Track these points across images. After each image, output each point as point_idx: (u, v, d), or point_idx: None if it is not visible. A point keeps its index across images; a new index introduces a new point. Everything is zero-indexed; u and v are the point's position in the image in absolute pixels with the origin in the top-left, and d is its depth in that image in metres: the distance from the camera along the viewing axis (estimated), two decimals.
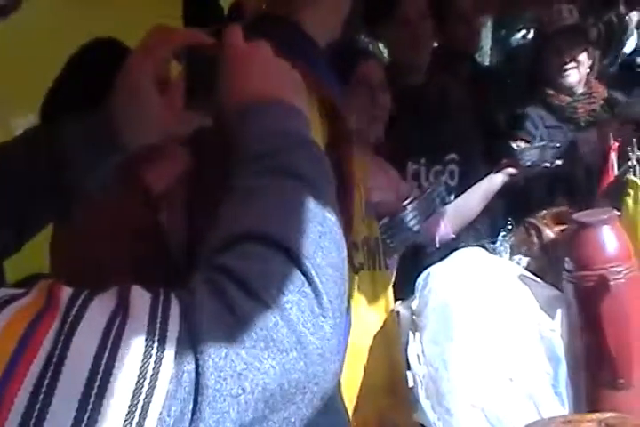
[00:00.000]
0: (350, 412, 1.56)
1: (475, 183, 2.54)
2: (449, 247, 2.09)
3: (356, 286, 1.59)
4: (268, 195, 0.78)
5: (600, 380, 1.40)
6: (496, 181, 2.57)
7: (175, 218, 1.23)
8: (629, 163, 1.70)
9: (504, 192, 2.60)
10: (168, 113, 0.97)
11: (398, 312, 1.65)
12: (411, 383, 1.52)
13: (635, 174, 1.66)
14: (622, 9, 3.26)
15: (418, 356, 1.50)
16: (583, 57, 2.90)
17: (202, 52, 0.98)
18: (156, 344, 0.63)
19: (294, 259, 0.71)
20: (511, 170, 2.57)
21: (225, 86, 0.92)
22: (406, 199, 2.18)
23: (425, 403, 1.46)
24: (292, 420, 0.67)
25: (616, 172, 1.94)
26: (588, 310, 1.44)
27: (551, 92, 2.97)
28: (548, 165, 2.62)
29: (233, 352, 0.64)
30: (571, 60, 2.89)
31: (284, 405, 0.66)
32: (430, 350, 1.50)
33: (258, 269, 0.70)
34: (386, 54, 3.43)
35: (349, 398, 1.55)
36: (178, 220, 1.21)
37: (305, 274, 0.70)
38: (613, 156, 1.99)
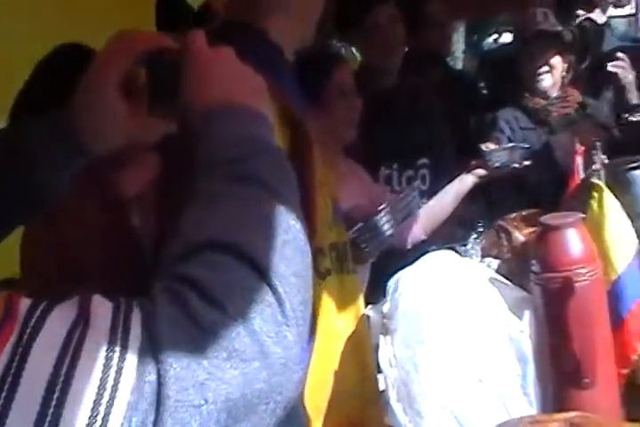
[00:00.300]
0: (321, 418, 1.58)
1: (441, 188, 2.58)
2: (421, 250, 2.12)
3: (324, 292, 1.60)
4: (232, 202, 0.77)
5: (566, 379, 1.42)
6: (466, 182, 2.61)
7: (147, 222, 1.25)
8: (594, 166, 1.73)
9: (476, 195, 2.64)
10: (132, 119, 0.96)
11: (369, 316, 1.67)
12: (382, 387, 1.55)
13: (599, 178, 1.69)
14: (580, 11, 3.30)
15: (389, 359, 1.53)
16: (557, 61, 2.95)
17: (166, 57, 0.97)
18: (117, 355, 0.63)
19: (258, 268, 0.70)
20: (480, 171, 2.62)
21: (188, 91, 0.91)
22: (380, 203, 2.21)
23: (396, 406, 1.48)
24: None
25: (582, 175, 1.97)
26: (553, 311, 1.47)
27: (526, 94, 3.01)
28: (516, 165, 2.66)
29: (195, 362, 0.64)
30: (544, 65, 2.93)
31: (247, 415, 0.65)
32: (401, 353, 1.52)
33: (221, 278, 0.69)
34: (359, 58, 3.47)
35: (319, 403, 1.57)
36: (150, 224, 1.22)
37: (268, 283, 0.70)
38: (579, 159, 2.03)
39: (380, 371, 1.56)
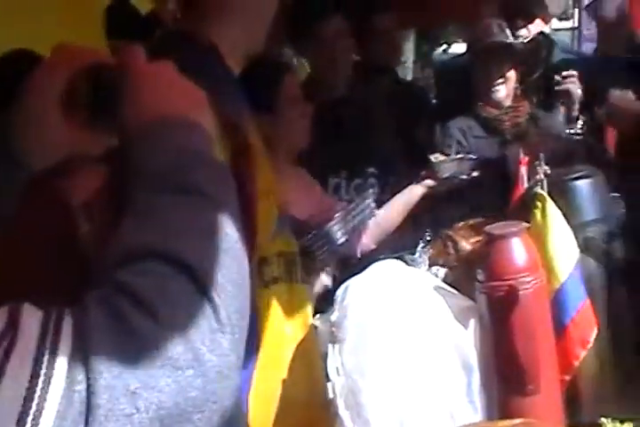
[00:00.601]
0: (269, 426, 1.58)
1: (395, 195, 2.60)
2: (369, 259, 2.14)
3: (271, 300, 1.60)
4: (170, 211, 0.77)
5: (510, 387, 1.45)
6: (415, 192, 2.63)
7: (94, 230, 1.24)
8: (537, 177, 1.76)
9: (424, 204, 2.67)
10: (71, 133, 0.95)
11: (316, 326, 1.68)
12: (330, 395, 1.55)
13: (542, 188, 1.73)
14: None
15: (337, 368, 1.53)
16: (511, 73, 3.01)
17: (106, 72, 0.98)
18: (45, 364, 0.62)
19: (193, 276, 0.70)
20: (429, 182, 2.65)
21: (127, 105, 0.91)
22: (332, 212, 2.23)
23: (344, 414, 1.49)
24: None
25: (526, 185, 2.01)
26: (498, 319, 1.50)
27: (480, 104, 3.07)
28: (464, 176, 2.71)
29: (126, 371, 0.63)
30: (500, 77, 2.99)
31: (181, 424, 0.65)
32: (349, 361, 1.53)
33: (155, 286, 0.69)
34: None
35: (267, 412, 1.57)
36: (97, 232, 1.21)
37: (204, 291, 0.70)
38: (523, 170, 2.06)
39: (328, 380, 1.56)
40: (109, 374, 0.63)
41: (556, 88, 2.95)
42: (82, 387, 0.62)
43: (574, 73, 2.95)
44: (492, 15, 3.30)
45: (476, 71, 3.05)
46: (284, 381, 1.61)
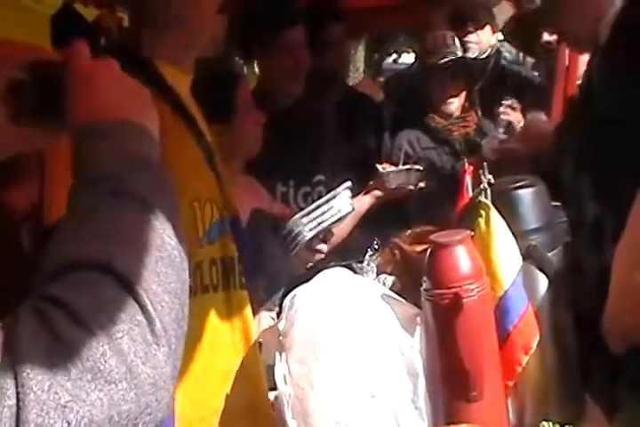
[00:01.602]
0: None
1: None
2: (318, 267, 2.16)
3: (205, 308, 1.59)
4: (104, 219, 0.76)
5: (455, 393, 1.47)
6: (363, 202, 2.68)
7: (37, 239, 1.22)
8: (481, 186, 1.79)
9: (373, 212, 2.70)
10: (10, 130, 0.94)
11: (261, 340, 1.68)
12: (277, 404, 1.56)
13: (486, 197, 1.75)
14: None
15: (284, 376, 1.54)
16: (462, 86, 3.06)
17: (47, 68, 0.96)
18: None
19: (127, 286, 0.70)
20: (377, 192, 2.69)
21: (71, 104, 0.90)
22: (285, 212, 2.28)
23: (291, 423, 1.49)
24: None
25: (470, 194, 2.04)
26: (443, 326, 1.51)
27: (430, 114, 3.11)
28: (412, 187, 2.75)
29: (57, 384, 0.62)
30: (454, 94, 3.04)
31: None
32: (296, 370, 1.54)
33: (87, 296, 0.68)
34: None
35: (210, 422, 1.57)
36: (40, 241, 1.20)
37: (138, 302, 0.69)
38: (468, 178, 2.10)
39: (275, 388, 1.57)
40: (39, 387, 0.62)
41: (498, 118, 2.99)
42: (12, 402, 0.61)
43: (510, 103, 2.99)
44: (442, 25, 3.35)
45: (429, 86, 3.10)
46: (226, 392, 1.61)
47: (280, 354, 1.57)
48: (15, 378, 0.62)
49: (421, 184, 2.81)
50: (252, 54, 2.85)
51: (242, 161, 2.34)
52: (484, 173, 1.85)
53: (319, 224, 2.31)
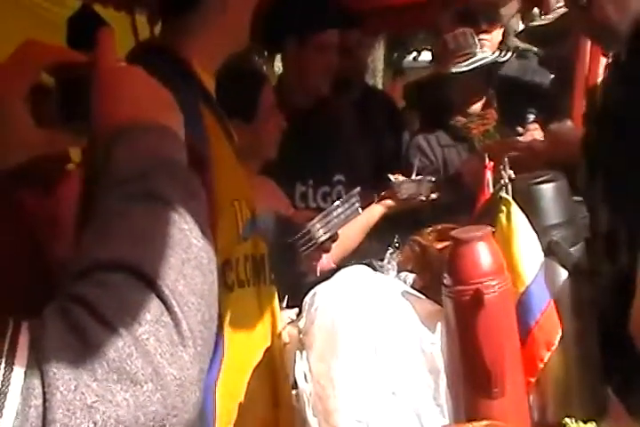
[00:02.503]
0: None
1: (365, 204, 2.62)
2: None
3: (237, 304, 1.61)
4: (131, 220, 0.76)
5: (477, 390, 1.46)
6: (375, 212, 2.69)
7: (63, 246, 1.22)
8: (502, 181, 1.78)
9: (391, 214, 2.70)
10: (37, 132, 0.94)
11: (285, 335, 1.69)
12: (297, 402, 1.56)
13: (507, 192, 1.74)
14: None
15: (305, 374, 1.54)
16: (485, 89, 3.05)
17: (75, 70, 0.96)
18: (0, 378, 0.61)
19: (153, 287, 0.69)
20: (389, 202, 2.69)
21: (97, 107, 0.89)
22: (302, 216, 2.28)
23: (312, 420, 1.49)
24: None
25: (491, 190, 2.03)
26: (464, 323, 1.50)
27: (449, 114, 3.10)
28: (423, 198, 2.74)
29: (83, 384, 0.62)
30: (477, 99, 3.03)
31: None
32: (317, 368, 1.54)
33: (114, 298, 0.68)
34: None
35: (232, 418, 1.57)
36: (66, 248, 1.20)
37: (164, 302, 0.69)
38: (489, 174, 2.08)
39: (295, 386, 1.57)
40: (65, 387, 0.62)
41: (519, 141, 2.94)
42: (38, 402, 0.61)
43: (533, 128, 2.94)
44: (459, 23, 3.32)
45: (454, 87, 3.07)
46: (248, 385, 1.62)
47: (300, 352, 1.57)
48: (42, 378, 0.62)
49: (433, 195, 2.79)
50: (280, 52, 2.84)
51: (260, 161, 2.35)
52: (504, 169, 1.83)
53: (330, 229, 2.30)
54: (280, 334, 1.72)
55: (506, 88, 3.26)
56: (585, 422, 1.33)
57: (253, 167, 2.31)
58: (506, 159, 1.90)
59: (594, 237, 1.81)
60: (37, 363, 0.63)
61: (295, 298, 2.04)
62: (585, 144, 2.20)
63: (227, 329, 1.56)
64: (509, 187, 1.77)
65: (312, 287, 1.75)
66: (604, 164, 1.85)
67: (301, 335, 1.60)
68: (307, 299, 1.68)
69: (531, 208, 1.75)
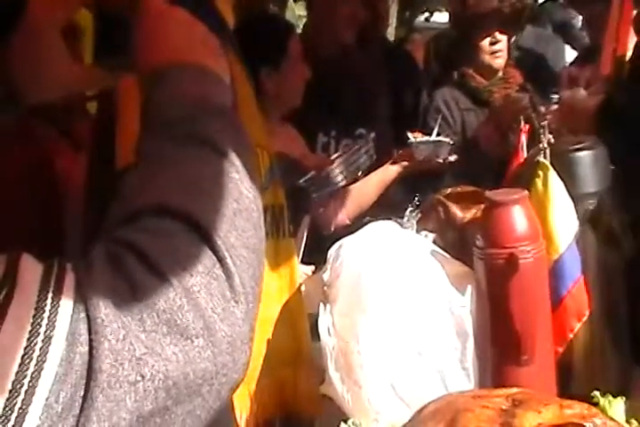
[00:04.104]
0: (253, 383, 1.55)
1: (384, 159, 2.58)
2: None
3: None
4: (181, 165, 0.71)
5: (505, 356, 1.42)
6: (391, 171, 2.63)
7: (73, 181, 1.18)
8: (540, 145, 1.72)
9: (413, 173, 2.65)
10: (71, 67, 0.90)
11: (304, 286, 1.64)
12: (319, 355, 1.51)
13: (545, 157, 1.69)
14: None
15: (328, 328, 1.49)
16: (505, 39, 2.96)
17: (113, 7, 0.91)
18: (45, 321, 0.56)
19: (205, 237, 0.65)
20: (405, 163, 2.63)
21: (142, 45, 0.84)
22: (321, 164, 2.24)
23: (334, 375, 1.45)
24: (198, 413, 0.62)
25: (525, 153, 1.97)
26: (496, 287, 1.46)
27: (471, 72, 3.01)
28: (441, 160, 2.66)
29: (132, 335, 0.58)
30: (498, 42, 2.94)
31: (189, 396, 0.61)
32: (341, 322, 1.49)
33: (165, 245, 0.64)
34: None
35: (252, 370, 1.53)
36: (76, 182, 1.16)
37: (216, 254, 0.65)
38: (523, 138, 2.03)
39: (317, 339, 1.52)
40: (114, 336, 0.58)
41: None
42: (84, 349, 0.57)
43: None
44: None
45: (471, 38, 2.99)
46: (268, 339, 1.58)
47: (325, 305, 1.52)
48: (89, 324, 0.58)
49: (451, 158, 2.72)
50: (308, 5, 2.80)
51: (283, 111, 2.32)
52: (544, 133, 1.78)
53: (347, 175, 2.27)
54: (300, 289, 1.67)
55: (521, 60, 3.20)
56: (614, 397, 1.29)
57: (278, 115, 2.28)
58: (545, 123, 1.84)
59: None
60: (84, 308, 0.58)
61: (311, 254, 2.00)
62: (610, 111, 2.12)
63: None
64: (547, 151, 1.72)
65: (328, 243, 1.71)
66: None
67: (325, 288, 1.55)
68: (331, 251, 1.63)
69: (568, 175, 1.70)
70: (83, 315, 0.58)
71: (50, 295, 0.58)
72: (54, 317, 0.57)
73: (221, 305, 0.63)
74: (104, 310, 0.58)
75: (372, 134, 2.62)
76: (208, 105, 0.78)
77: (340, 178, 2.10)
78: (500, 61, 2.99)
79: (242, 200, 0.70)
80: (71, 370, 0.56)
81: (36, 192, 1.11)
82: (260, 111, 1.72)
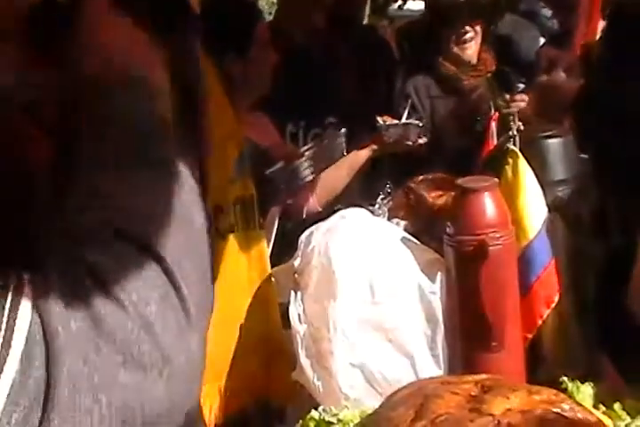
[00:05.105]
0: (224, 374, 1.55)
1: (356, 147, 2.56)
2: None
3: (228, 249, 1.55)
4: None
5: (475, 342, 1.42)
6: (361, 155, 2.61)
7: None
8: (510, 133, 1.73)
9: (384, 157, 2.64)
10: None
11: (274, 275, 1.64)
12: (290, 343, 1.51)
13: (514, 144, 1.70)
14: None
15: (299, 315, 1.49)
16: (478, 29, 2.95)
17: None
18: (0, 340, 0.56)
19: (162, 265, 0.64)
20: (374, 146, 2.62)
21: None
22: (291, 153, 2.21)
23: (305, 362, 1.45)
24: None
25: (495, 141, 1.98)
26: (466, 273, 1.46)
27: (441, 60, 3.00)
28: (410, 143, 2.66)
29: (89, 361, 0.58)
30: (468, 33, 2.93)
31: (144, 425, 0.60)
32: (312, 309, 1.49)
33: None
34: (267, 13, 3.38)
35: (224, 359, 1.53)
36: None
37: (173, 283, 0.64)
38: (493, 125, 2.03)
39: (288, 326, 1.52)
40: (70, 362, 0.57)
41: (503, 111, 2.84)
42: (39, 373, 0.56)
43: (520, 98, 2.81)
44: None
45: (442, 28, 2.98)
46: (239, 329, 1.57)
47: (295, 292, 1.52)
48: (45, 347, 0.57)
49: (420, 140, 2.72)
50: None
51: (252, 98, 2.28)
52: (513, 120, 1.78)
53: (314, 168, 2.25)
54: (270, 278, 1.66)
55: (498, 48, 3.19)
56: (582, 382, 1.30)
57: (246, 102, 2.25)
58: (515, 110, 1.85)
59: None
60: (42, 331, 0.58)
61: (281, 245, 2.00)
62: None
63: (217, 278, 1.50)
64: (517, 139, 1.73)
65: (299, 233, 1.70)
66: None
67: (296, 275, 1.55)
68: (302, 238, 1.62)
69: (537, 162, 1.71)
70: (39, 338, 0.57)
71: (5, 315, 0.57)
72: (9, 337, 0.56)
73: (177, 334, 0.63)
74: (61, 335, 0.58)
75: (343, 124, 2.60)
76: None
77: (308, 172, 2.07)
78: (469, 52, 2.98)
79: (195, 226, 0.70)
80: (24, 393, 0.55)
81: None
82: (228, 99, 1.70)
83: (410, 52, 3.40)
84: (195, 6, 1.62)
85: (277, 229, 2.27)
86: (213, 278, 1.33)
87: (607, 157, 1.74)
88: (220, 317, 1.49)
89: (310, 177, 2.13)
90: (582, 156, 1.81)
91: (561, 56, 2.69)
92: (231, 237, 1.62)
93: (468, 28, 2.92)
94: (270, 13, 4.07)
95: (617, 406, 1.28)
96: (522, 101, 2.76)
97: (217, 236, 1.55)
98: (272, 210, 2.18)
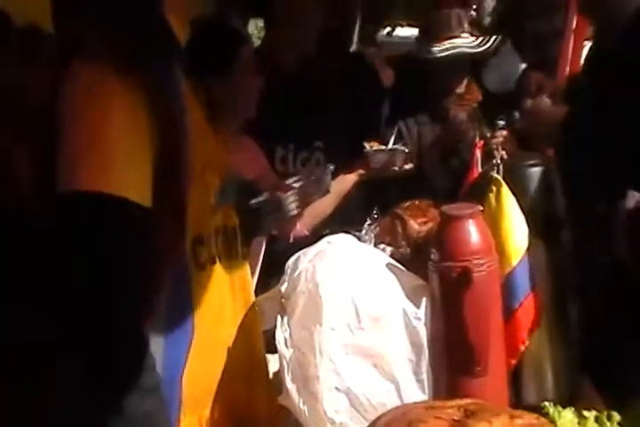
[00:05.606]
0: (209, 403, 1.55)
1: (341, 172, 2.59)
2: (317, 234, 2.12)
3: (209, 281, 1.55)
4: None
5: (459, 367, 1.45)
6: (347, 181, 2.64)
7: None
8: (494, 161, 1.76)
9: (370, 183, 2.67)
10: None
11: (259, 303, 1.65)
12: (276, 367, 1.53)
13: (498, 172, 1.72)
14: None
15: (285, 339, 1.51)
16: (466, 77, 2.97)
17: None
18: None
19: None
20: (361, 171, 2.65)
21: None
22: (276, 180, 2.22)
23: (291, 386, 1.46)
24: None
25: (480, 169, 2.02)
26: (450, 299, 1.49)
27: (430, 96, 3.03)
28: (396, 169, 2.69)
29: None
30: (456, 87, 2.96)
31: None
32: (298, 333, 1.51)
33: None
34: (256, 37, 3.42)
35: (207, 390, 1.54)
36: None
37: None
38: (478, 153, 2.07)
39: (275, 351, 1.54)
40: None
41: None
42: None
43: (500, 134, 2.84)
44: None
45: (437, 75, 2.98)
46: (225, 358, 1.58)
47: (282, 317, 1.53)
48: None
49: (406, 166, 2.75)
50: (261, 11, 2.78)
51: (237, 122, 2.29)
52: (497, 149, 1.82)
53: (299, 204, 2.25)
54: (254, 308, 1.68)
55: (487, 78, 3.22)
56: (564, 408, 1.33)
57: (231, 127, 2.25)
58: (500, 139, 1.88)
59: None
60: None
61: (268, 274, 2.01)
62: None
63: (197, 309, 1.51)
64: (501, 167, 1.76)
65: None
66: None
67: (283, 300, 1.57)
68: (289, 263, 1.65)
69: (520, 190, 1.74)
70: None
71: None
72: None
73: None
74: None
75: (329, 149, 2.63)
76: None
77: (293, 206, 2.08)
78: (460, 91, 3.02)
79: None
80: None
81: None
82: (211, 125, 1.71)
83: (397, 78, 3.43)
84: (181, 37, 1.64)
85: (264, 252, 2.28)
86: (197, 309, 1.36)
87: (585, 186, 1.79)
88: (204, 348, 1.52)
89: (295, 211, 2.13)
90: (565, 183, 1.84)
91: (547, 81, 2.74)
92: (214, 268, 1.61)
93: (459, 83, 2.95)
94: (259, 38, 4.11)
95: None
96: (501, 137, 2.79)
97: (196, 267, 1.55)
98: (257, 240, 2.18)
